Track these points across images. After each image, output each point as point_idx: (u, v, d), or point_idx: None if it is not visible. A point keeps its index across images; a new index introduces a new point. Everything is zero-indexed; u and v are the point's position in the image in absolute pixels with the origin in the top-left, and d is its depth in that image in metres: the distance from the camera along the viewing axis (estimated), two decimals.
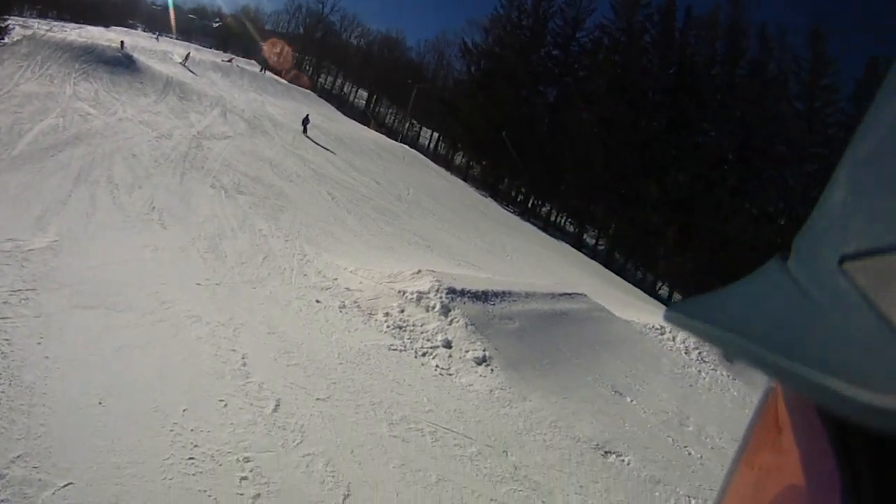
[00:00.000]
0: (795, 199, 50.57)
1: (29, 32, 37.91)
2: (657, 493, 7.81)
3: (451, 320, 10.15)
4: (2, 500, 4.33)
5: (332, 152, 31.00)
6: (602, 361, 11.43)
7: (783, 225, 51.43)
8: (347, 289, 10.88)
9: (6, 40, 34.28)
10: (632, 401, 10.34)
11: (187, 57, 36.21)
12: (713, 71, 57.36)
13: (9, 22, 38.52)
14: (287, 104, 45.80)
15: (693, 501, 7.92)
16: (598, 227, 58.94)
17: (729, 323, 0.42)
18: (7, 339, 6.25)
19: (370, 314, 10.06)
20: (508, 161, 54.67)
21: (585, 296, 14.48)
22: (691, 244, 48.21)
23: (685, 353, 14.71)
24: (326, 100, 70.96)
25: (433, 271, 11.55)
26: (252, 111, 34.43)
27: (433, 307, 10.32)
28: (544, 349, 10.58)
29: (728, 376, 14.48)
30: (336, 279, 11.24)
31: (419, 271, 11.36)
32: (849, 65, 70.60)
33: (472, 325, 10.07)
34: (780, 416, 0.47)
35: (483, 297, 11.08)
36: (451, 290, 10.68)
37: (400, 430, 6.86)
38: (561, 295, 13.54)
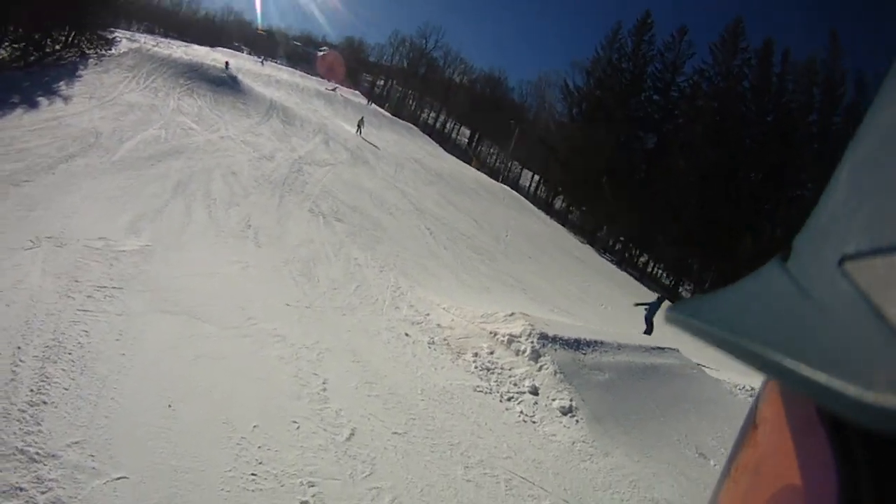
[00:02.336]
0: None
1: (135, 46, 39.46)
2: None
3: (541, 366, 9.94)
4: (51, 479, 4.44)
5: (431, 186, 31.10)
6: (689, 421, 11.02)
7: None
8: (438, 325, 10.82)
9: (113, 51, 35.70)
10: (715, 465, 9.89)
11: (360, 124, 40.32)
12: (810, 118, 56.78)
13: (116, 34, 40.18)
14: (389, 136, 46.39)
15: None
16: (693, 280, 58.21)
17: (729, 323, 0.42)
18: (86, 331, 6.55)
19: (459, 353, 9.96)
20: (607, 207, 54.19)
21: (678, 351, 14.06)
22: None
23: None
24: (429, 135, 71.15)
25: (526, 315, 11.33)
26: (356, 142, 34.95)
27: (523, 351, 10.16)
28: (631, 404, 10.30)
29: None
30: (428, 314, 11.19)
31: (512, 314, 11.15)
32: None
33: (560, 372, 9.84)
34: (778, 415, 0.48)
35: (575, 344, 10.84)
36: (543, 336, 10.48)
37: (474, 475, 6.71)
38: (653, 349, 13.18)
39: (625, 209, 53.57)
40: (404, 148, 38.61)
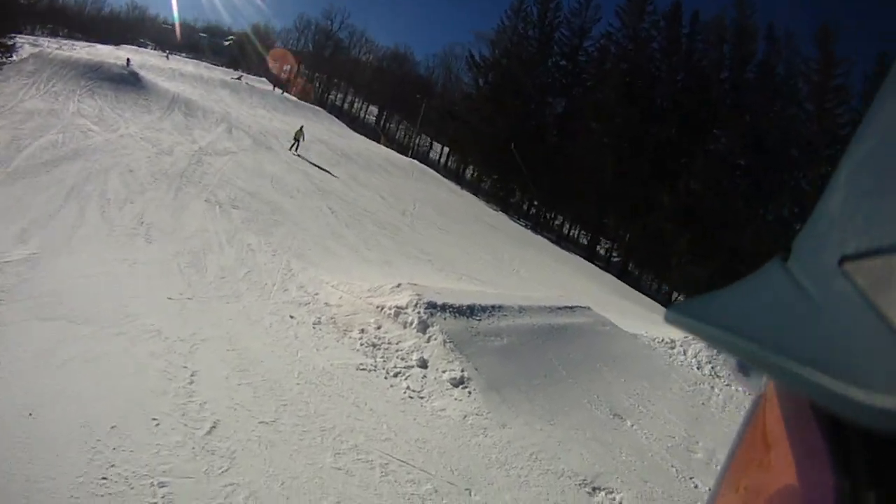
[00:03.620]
0: (809, 202, 49.55)
1: (37, 50, 38.26)
2: None
3: (430, 337, 9.33)
4: None
5: (338, 167, 30.69)
6: (602, 380, 10.52)
7: (799, 230, 50.28)
8: (326, 304, 10.21)
9: (14, 58, 34.47)
10: (632, 425, 9.42)
11: (298, 137, 34.09)
12: (722, 75, 57.21)
13: (16, 40, 38.43)
14: (296, 120, 45.29)
15: None
16: (610, 238, 58.67)
17: (729, 323, 0.41)
18: None
19: (345, 331, 9.33)
20: (518, 174, 54.08)
21: (589, 308, 13.63)
22: (705, 252, 47.81)
23: (697, 367, 13.81)
24: (337, 116, 70.69)
25: (415, 284, 10.81)
26: (259, 127, 34.19)
27: (410, 323, 9.56)
28: (535, 368, 9.69)
29: (745, 392, 13.45)
30: (317, 294, 10.60)
31: (399, 285, 10.60)
32: (861, 64, 69.37)
33: (451, 342, 9.21)
34: (777, 416, 0.46)
35: (468, 311, 10.22)
36: (431, 305, 9.87)
37: (346, 462, 6.09)
38: (561, 308, 12.64)
39: (537, 174, 53.42)
40: (310, 130, 37.19)
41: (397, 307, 9.83)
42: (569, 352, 10.73)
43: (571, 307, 13.04)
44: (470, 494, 6.28)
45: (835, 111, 51.95)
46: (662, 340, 14.67)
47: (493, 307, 10.75)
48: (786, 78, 54.86)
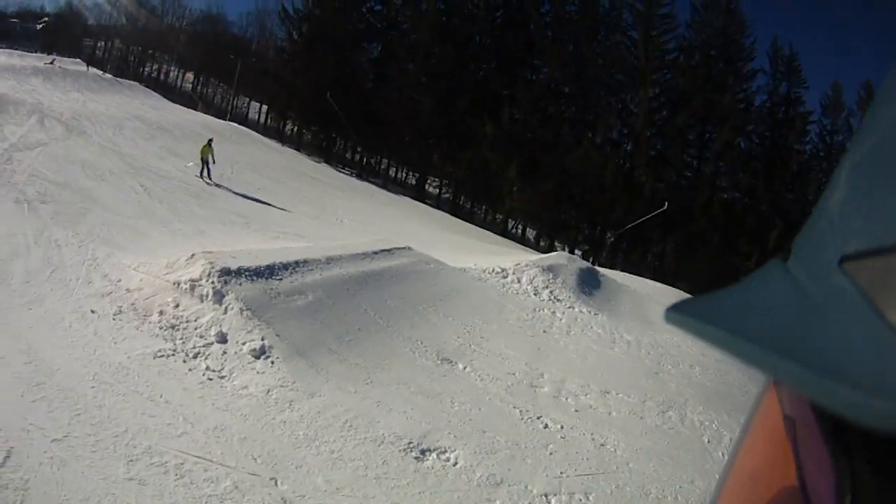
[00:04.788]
0: (638, 124, 51.59)
1: None
2: (497, 503, 5.90)
3: (226, 308, 8.20)
4: None
5: (153, 141, 28.85)
6: (427, 324, 9.61)
7: (629, 150, 53.09)
8: (128, 290, 9.02)
9: None
10: (465, 368, 8.50)
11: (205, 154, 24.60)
12: (543, 9, 57.28)
13: None
14: (110, 99, 42.80)
15: (553, 500, 6.11)
16: (438, 175, 58.67)
17: (729, 323, 0.39)
18: None
19: (145, 316, 8.20)
20: (338, 123, 53.28)
21: (409, 248, 12.75)
22: (536, 178, 48.19)
23: (535, 294, 13.10)
24: (154, 89, 66.74)
25: (209, 252, 9.64)
26: (72, 112, 31.44)
27: (207, 295, 8.40)
28: (347, 323, 8.71)
29: (590, 312, 12.82)
30: (120, 281, 9.37)
31: (193, 255, 9.39)
32: None
33: (248, 309, 8.13)
34: (778, 415, 0.46)
35: (266, 272, 9.14)
36: (225, 272, 8.72)
37: (139, 469, 5.20)
38: (377, 252, 11.67)
39: (357, 120, 52.68)
40: (125, 107, 35.68)
41: (192, 280, 8.71)
42: (386, 298, 9.84)
43: (389, 250, 12.15)
44: (276, 484, 5.38)
45: (661, 38, 53.09)
46: (493, 270, 13.91)
47: (296, 263, 9.72)
48: (610, 9, 55.56)
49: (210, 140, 24.65)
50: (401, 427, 6.56)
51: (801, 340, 0.33)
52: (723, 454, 8.47)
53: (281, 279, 9.08)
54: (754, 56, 53.26)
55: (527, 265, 14.17)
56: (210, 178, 22.60)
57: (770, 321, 0.38)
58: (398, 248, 12.34)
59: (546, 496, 6.08)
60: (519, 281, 13.48)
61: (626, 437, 7.97)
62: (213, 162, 23.12)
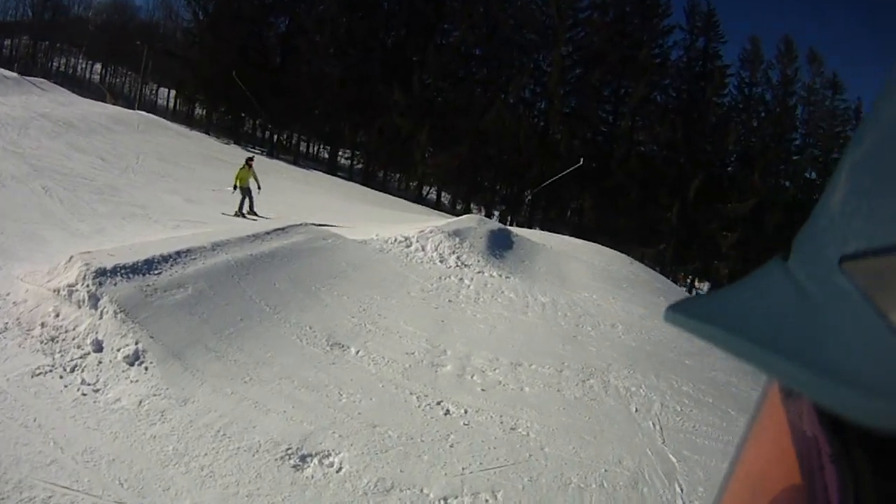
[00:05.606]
0: (551, 82, 51.38)
1: None
2: None
3: (102, 311, 7.42)
4: None
5: (58, 139, 27.35)
6: (319, 305, 8.88)
7: (543, 109, 53.17)
8: (14, 303, 8.16)
9: None
10: (358, 352, 7.79)
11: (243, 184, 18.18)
12: None
13: None
14: (17, 99, 40.57)
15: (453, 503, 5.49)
16: (350, 146, 58.00)
17: (729, 323, 0.40)
18: None
19: (29, 330, 7.40)
20: (246, 102, 52.12)
21: (306, 225, 11.99)
22: (449, 142, 48.08)
23: (440, 261, 12.36)
24: (62, 85, 62.96)
25: (87, 252, 8.74)
26: None
27: (84, 300, 7.64)
28: (228, 314, 7.95)
29: (500, 275, 12.22)
30: (9, 294, 8.49)
31: (71, 258, 8.54)
32: None
33: (122, 311, 7.35)
34: (779, 415, 0.46)
35: (144, 268, 8.28)
36: (101, 272, 7.90)
37: None
38: (269, 232, 10.91)
39: (265, 97, 51.45)
40: (32, 107, 33.83)
41: (69, 285, 7.90)
42: (275, 282, 9.09)
43: (283, 228, 11.39)
44: None
45: None
46: (396, 240, 13.04)
47: (177, 254, 8.91)
48: None
49: (249, 160, 19.58)
50: (279, 431, 5.88)
51: (801, 340, 0.34)
52: (653, 424, 7.85)
53: (160, 273, 8.30)
54: (671, 12, 53.22)
55: (431, 231, 13.30)
56: (255, 212, 18.14)
57: (770, 321, 0.38)
58: (293, 226, 11.61)
59: (445, 500, 5.42)
60: (423, 249, 12.71)
61: (541, 416, 7.24)
62: (259, 188, 18.65)
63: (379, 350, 7.97)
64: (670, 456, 7.13)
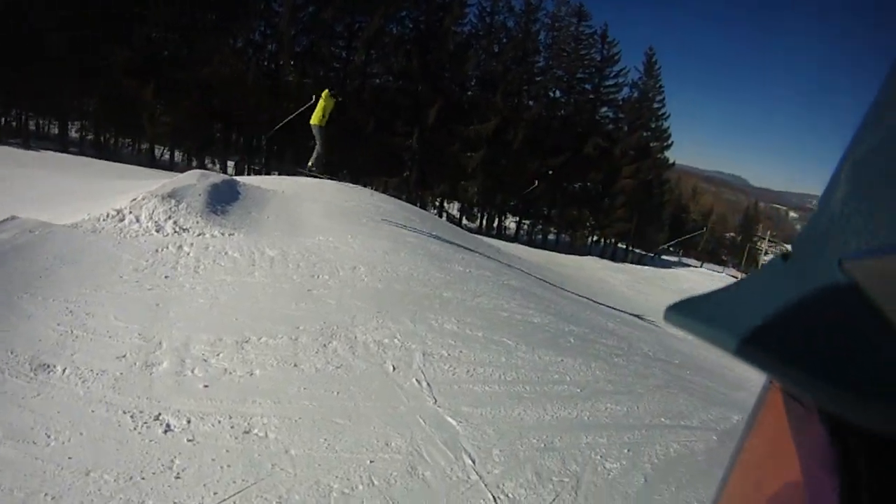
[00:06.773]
0: (282, 23, 51.69)
1: None
2: None
3: None
4: None
5: None
6: (21, 318, 7.10)
7: (274, 51, 53.94)
8: None
9: None
10: (65, 370, 6.15)
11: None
12: None
13: None
14: None
15: None
16: (79, 117, 54.27)
17: (729, 323, 0.41)
18: None
19: None
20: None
21: (12, 218, 9.90)
22: (177, 97, 46.81)
23: (157, 230, 10.74)
24: None
25: None
26: None
27: None
28: None
29: (223, 233, 11.08)
30: None
31: None
32: None
33: None
34: (780, 415, 0.48)
35: None
36: None
37: None
38: None
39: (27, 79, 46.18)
40: None
41: None
42: None
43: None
44: None
45: None
46: (108, 216, 10.99)
47: None
48: None
49: (331, 91, 16.75)
50: None
51: (801, 341, 0.34)
52: (418, 381, 6.70)
53: None
54: None
55: (144, 198, 11.50)
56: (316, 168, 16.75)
57: (770, 321, 0.38)
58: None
59: None
60: (138, 220, 11.00)
61: (279, 406, 5.88)
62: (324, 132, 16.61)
63: (87, 361, 6.40)
64: (448, 419, 6.09)
